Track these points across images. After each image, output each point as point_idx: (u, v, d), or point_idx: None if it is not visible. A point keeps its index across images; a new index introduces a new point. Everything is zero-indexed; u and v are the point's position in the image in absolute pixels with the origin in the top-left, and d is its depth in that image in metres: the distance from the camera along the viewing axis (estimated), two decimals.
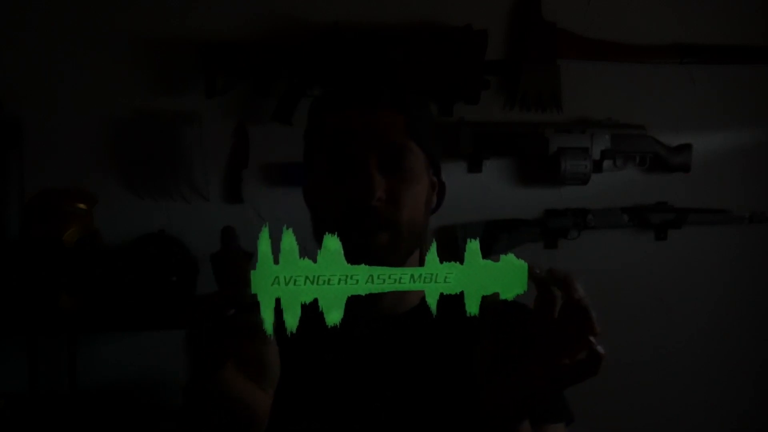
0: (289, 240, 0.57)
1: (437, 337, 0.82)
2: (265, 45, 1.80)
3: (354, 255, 0.75)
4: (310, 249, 0.80)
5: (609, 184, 2.00)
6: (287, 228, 0.57)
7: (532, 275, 0.59)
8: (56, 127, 1.80)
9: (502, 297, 0.60)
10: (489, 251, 1.88)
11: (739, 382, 2.13)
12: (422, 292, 0.85)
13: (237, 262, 1.70)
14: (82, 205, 1.73)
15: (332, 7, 1.85)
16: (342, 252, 0.58)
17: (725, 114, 2.07)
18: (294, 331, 0.56)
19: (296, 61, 1.79)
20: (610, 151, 1.93)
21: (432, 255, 0.59)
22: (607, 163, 1.94)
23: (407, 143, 0.80)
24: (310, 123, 0.87)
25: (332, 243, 0.58)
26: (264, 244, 0.56)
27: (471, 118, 1.90)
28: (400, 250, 0.79)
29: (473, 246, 0.59)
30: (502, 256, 0.60)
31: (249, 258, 1.73)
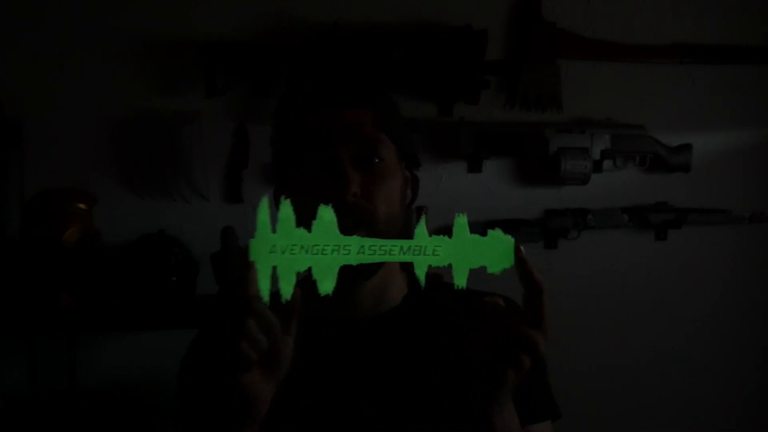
0: (286, 210, 0.58)
1: (419, 336, 0.82)
2: (265, 45, 1.80)
3: None
4: None
5: (609, 184, 2.00)
6: (285, 198, 0.59)
7: (517, 254, 0.61)
8: (56, 127, 1.80)
9: (490, 271, 0.61)
10: None
11: (739, 382, 2.13)
12: (404, 290, 0.86)
13: (237, 262, 1.70)
14: (82, 205, 1.73)
15: (332, 7, 1.85)
16: (335, 223, 0.59)
17: (725, 114, 2.07)
18: (289, 298, 0.58)
19: (296, 61, 1.79)
20: (610, 151, 1.93)
21: (421, 228, 0.60)
22: (607, 163, 1.94)
23: (378, 136, 0.80)
24: (276, 127, 0.87)
25: (327, 213, 0.59)
26: (263, 213, 0.58)
27: (471, 118, 1.90)
28: None
29: (461, 220, 0.61)
30: (490, 231, 0.61)
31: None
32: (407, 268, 0.85)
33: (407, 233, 0.80)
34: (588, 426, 1.99)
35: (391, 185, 0.80)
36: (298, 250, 0.58)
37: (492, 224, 1.91)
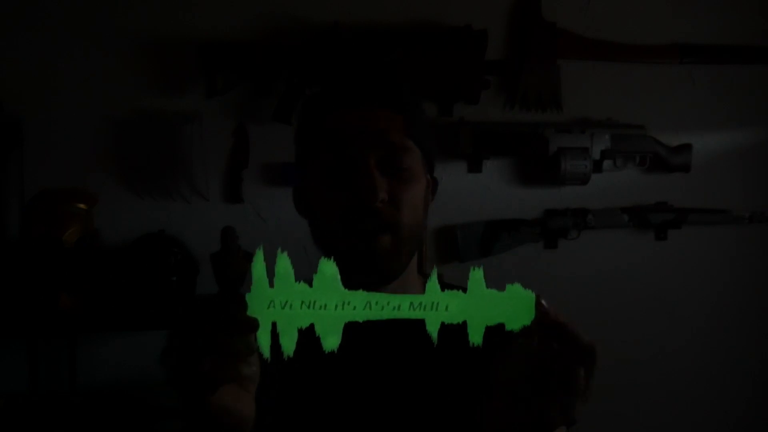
0: (283, 264, 0.55)
1: (433, 344, 0.81)
2: (265, 45, 1.80)
3: (355, 259, 0.75)
4: (311, 252, 0.80)
5: (609, 184, 2.00)
6: (282, 252, 0.55)
7: (539, 308, 0.57)
8: (56, 127, 1.80)
9: (508, 328, 0.57)
10: (489, 251, 1.89)
11: (739, 382, 2.13)
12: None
13: (237, 262, 1.70)
14: (82, 205, 1.73)
15: (332, 7, 1.85)
16: (338, 277, 0.56)
17: (725, 114, 2.07)
18: (291, 355, 0.55)
19: (296, 61, 1.79)
20: (610, 151, 1.93)
21: (432, 282, 0.57)
22: (607, 163, 1.94)
23: (406, 143, 0.79)
24: (303, 124, 0.85)
25: (328, 268, 0.56)
26: (258, 268, 0.55)
27: (471, 118, 1.90)
28: (402, 253, 0.78)
29: (477, 275, 0.57)
30: (508, 286, 0.57)
31: (249, 258, 1.72)
32: (424, 272, 0.82)
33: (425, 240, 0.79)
34: (587, 425, 1.98)
35: (416, 191, 0.80)
36: (298, 305, 0.55)
37: (492, 224, 1.93)
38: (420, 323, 0.57)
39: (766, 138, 2.10)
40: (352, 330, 0.56)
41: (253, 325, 0.54)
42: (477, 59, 1.86)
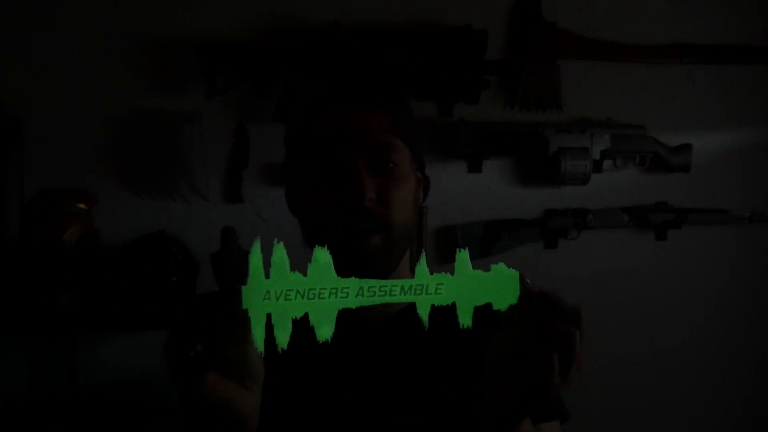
0: (279, 254, 0.56)
1: (431, 337, 0.82)
2: (265, 45, 1.80)
3: (347, 259, 0.75)
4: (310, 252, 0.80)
5: (609, 184, 2.00)
6: (278, 242, 0.56)
7: (523, 285, 0.58)
8: (56, 127, 1.80)
9: (495, 308, 0.58)
10: (489, 251, 1.89)
11: (739, 382, 2.13)
12: None
13: (237, 262, 1.70)
14: (82, 205, 1.73)
15: (332, 7, 1.85)
16: (332, 264, 0.56)
17: (725, 114, 2.07)
18: (285, 348, 0.55)
19: (296, 61, 1.79)
20: (610, 151, 1.93)
21: (422, 266, 0.58)
22: (607, 163, 1.94)
23: (394, 142, 0.80)
24: (293, 126, 0.86)
25: (322, 255, 0.57)
26: (255, 258, 0.55)
27: (471, 118, 1.90)
28: (392, 252, 0.78)
29: (463, 256, 0.58)
30: (493, 266, 0.59)
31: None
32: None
33: (417, 233, 0.79)
34: (587, 425, 1.98)
35: (406, 189, 0.80)
36: (293, 295, 0.56)
37: (492, 224, 1.94)
38: (411, 313, 0.58)
39: (766, 138, 2.10)
40: (345, 320, 0.57)
41: (244, 315, 0.55)
42: (477, 59, 1.86)
